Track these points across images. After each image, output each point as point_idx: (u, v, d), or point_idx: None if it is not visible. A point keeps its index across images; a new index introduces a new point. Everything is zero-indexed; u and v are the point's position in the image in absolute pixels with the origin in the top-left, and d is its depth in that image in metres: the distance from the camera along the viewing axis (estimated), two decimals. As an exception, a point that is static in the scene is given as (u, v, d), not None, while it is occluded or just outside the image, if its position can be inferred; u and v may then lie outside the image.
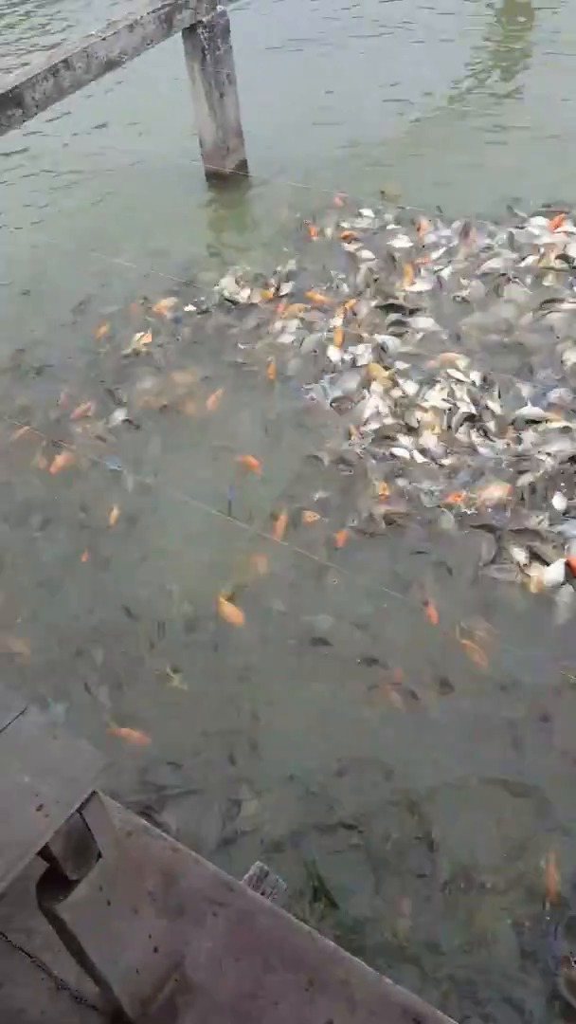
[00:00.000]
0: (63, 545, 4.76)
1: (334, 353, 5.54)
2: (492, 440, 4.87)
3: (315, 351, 5.62)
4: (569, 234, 6.12)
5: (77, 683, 4.10)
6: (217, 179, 7.44)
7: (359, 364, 5.45)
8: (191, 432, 5.30)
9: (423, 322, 5.69)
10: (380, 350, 5.51)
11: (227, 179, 7.41)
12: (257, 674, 4.04)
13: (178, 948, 2.32)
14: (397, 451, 4.90)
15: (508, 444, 4.84)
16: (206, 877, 2.50)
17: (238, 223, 7.11)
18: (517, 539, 4.38)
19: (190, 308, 6.14)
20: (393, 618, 4.15)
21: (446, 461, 4.80)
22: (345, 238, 6.53)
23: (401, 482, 4.73)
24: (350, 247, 6.44)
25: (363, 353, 5.51)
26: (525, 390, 5.12)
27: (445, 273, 6.02)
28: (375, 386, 5.29)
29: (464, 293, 5.84)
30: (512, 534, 4.41)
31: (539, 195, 6.52)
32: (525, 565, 4.28)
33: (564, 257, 5.93)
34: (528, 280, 5.86)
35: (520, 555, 4.31)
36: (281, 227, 6.83)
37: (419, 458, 4.84)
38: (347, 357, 5.51)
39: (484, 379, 5.20)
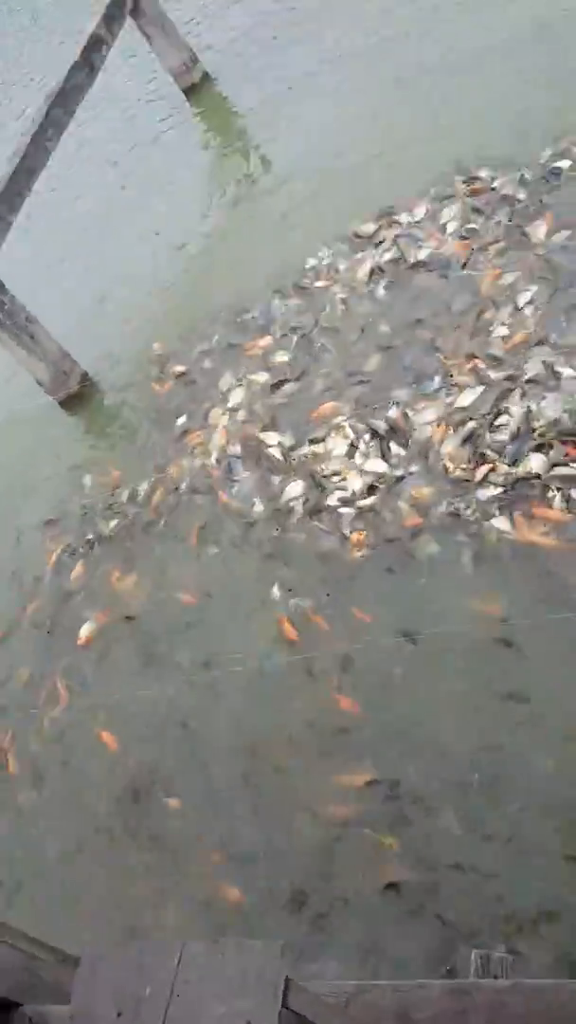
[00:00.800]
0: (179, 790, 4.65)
1: (212, 460, 5.89)
2: (406, 447, 5.12)
3: (213, 477, 5.86)
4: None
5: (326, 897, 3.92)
6: (70, 401, 7.69)
7: (251, 460, 5.72)
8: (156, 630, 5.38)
9: (290, 387, 5.99)
10: (266, 440, 5.76)
11: (79, 396, 7.67)
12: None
13: (457, 1078, 2.20)
14: (342, 509, 5.08)
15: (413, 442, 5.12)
16: (438, 996, 2.39)
17: (107, 428, 7.33)
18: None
19: (93, 533, 6.25)
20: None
21: (379, 485, 5.06)
22: (184, 374, 6.87)
23: (369, 521, 4.94)
24: (188, 377, 6.82)
25: (245, 449, 5.81)
26: (408, 392, 5.37)
27: (292, 338, 6.33)
28: (267, 461, 5.63)
29: (323, 341, 6.14)
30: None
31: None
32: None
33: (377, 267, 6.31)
34: (364, 299, 6.21)
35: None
36: (141, 407, 7.08)
37: (364, 501, 5.02)
38: (238, 463, 5.78)
39: (370, 407, 5.45)
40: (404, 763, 4.07)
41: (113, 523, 6.19)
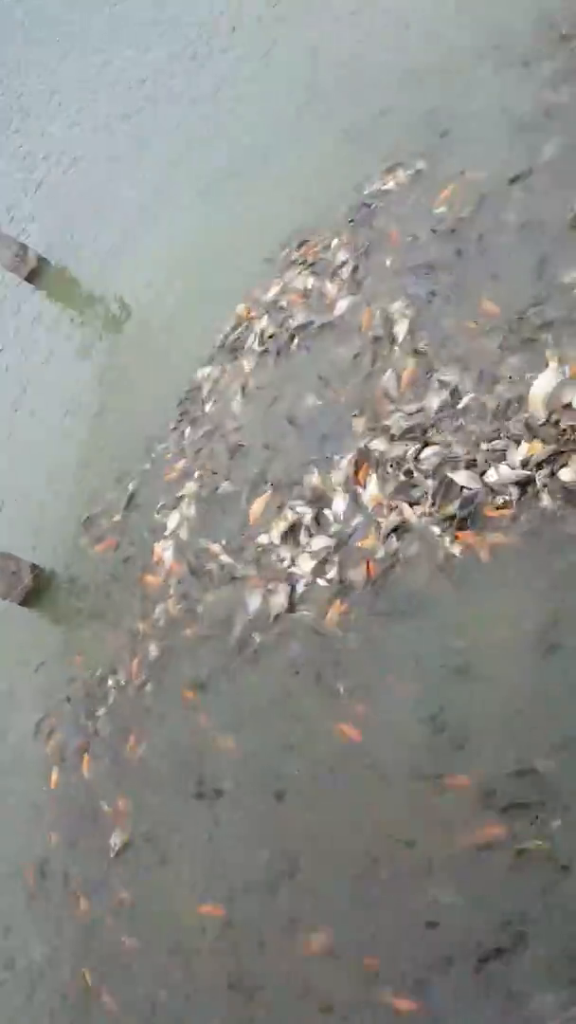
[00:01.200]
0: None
1: (172, 595, 5.83)
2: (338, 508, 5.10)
3: (179, 611, 5.77)
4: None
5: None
6: (29, 597, 7.55)
7: (206, 578, 5.66)
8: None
9: (222, 491, 5.99)
10: (212, 551, 5.74)
11: (35, 590, 7.55)
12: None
13: None
14: (313, 589, 4.97)
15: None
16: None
17: (68, 611, 7.22)
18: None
19: (88, 723, 6.04)
20: None
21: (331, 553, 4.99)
22: (118, 524, 6.93)
23: (341, 589, 4.83)
24: (122, 526, 6.87)
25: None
26: (327, 457, 5.36)
27: (207, 449, 6.37)
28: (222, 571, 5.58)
29: (235, 439, 6.18)
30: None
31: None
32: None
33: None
34: (258, 387, 6.30)
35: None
36: (90, 576, 7.03)
37: (326, 574, 4.93)
38: (194, 586, 5.72)
39: (295, 485, 5.46)
40: (517, 777, 3.73)
41: (102, 709, 5.97)
